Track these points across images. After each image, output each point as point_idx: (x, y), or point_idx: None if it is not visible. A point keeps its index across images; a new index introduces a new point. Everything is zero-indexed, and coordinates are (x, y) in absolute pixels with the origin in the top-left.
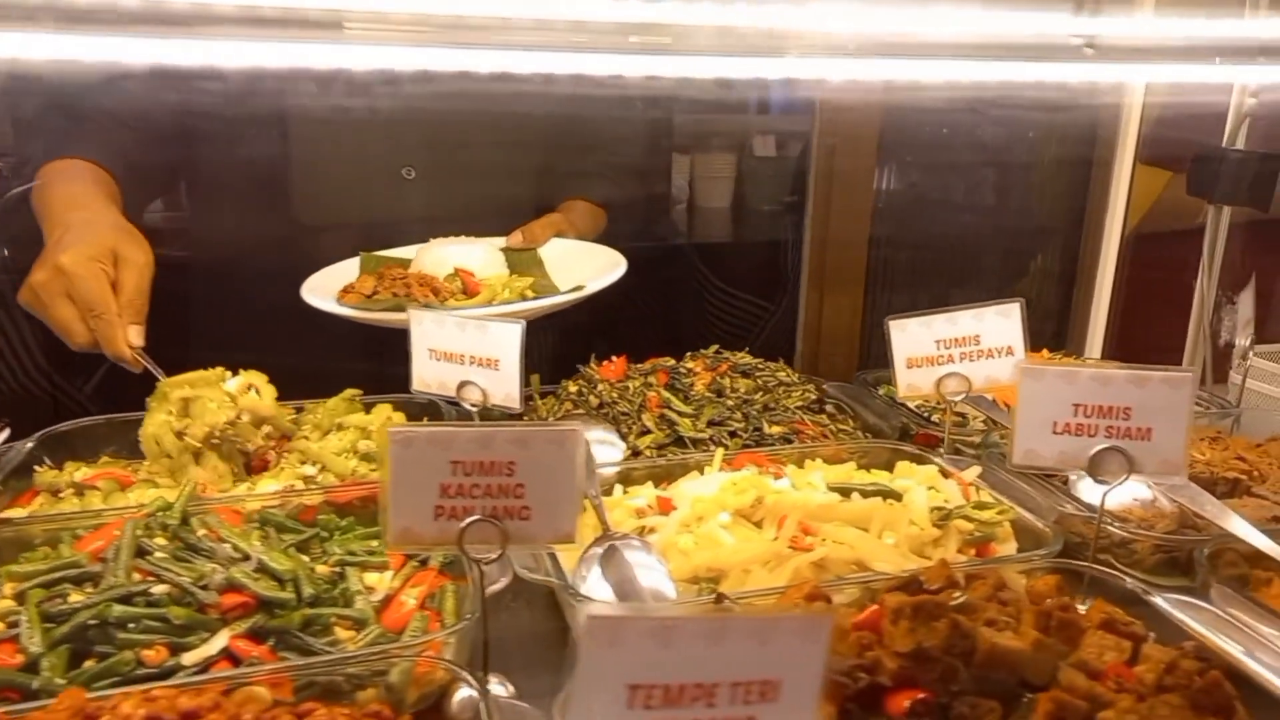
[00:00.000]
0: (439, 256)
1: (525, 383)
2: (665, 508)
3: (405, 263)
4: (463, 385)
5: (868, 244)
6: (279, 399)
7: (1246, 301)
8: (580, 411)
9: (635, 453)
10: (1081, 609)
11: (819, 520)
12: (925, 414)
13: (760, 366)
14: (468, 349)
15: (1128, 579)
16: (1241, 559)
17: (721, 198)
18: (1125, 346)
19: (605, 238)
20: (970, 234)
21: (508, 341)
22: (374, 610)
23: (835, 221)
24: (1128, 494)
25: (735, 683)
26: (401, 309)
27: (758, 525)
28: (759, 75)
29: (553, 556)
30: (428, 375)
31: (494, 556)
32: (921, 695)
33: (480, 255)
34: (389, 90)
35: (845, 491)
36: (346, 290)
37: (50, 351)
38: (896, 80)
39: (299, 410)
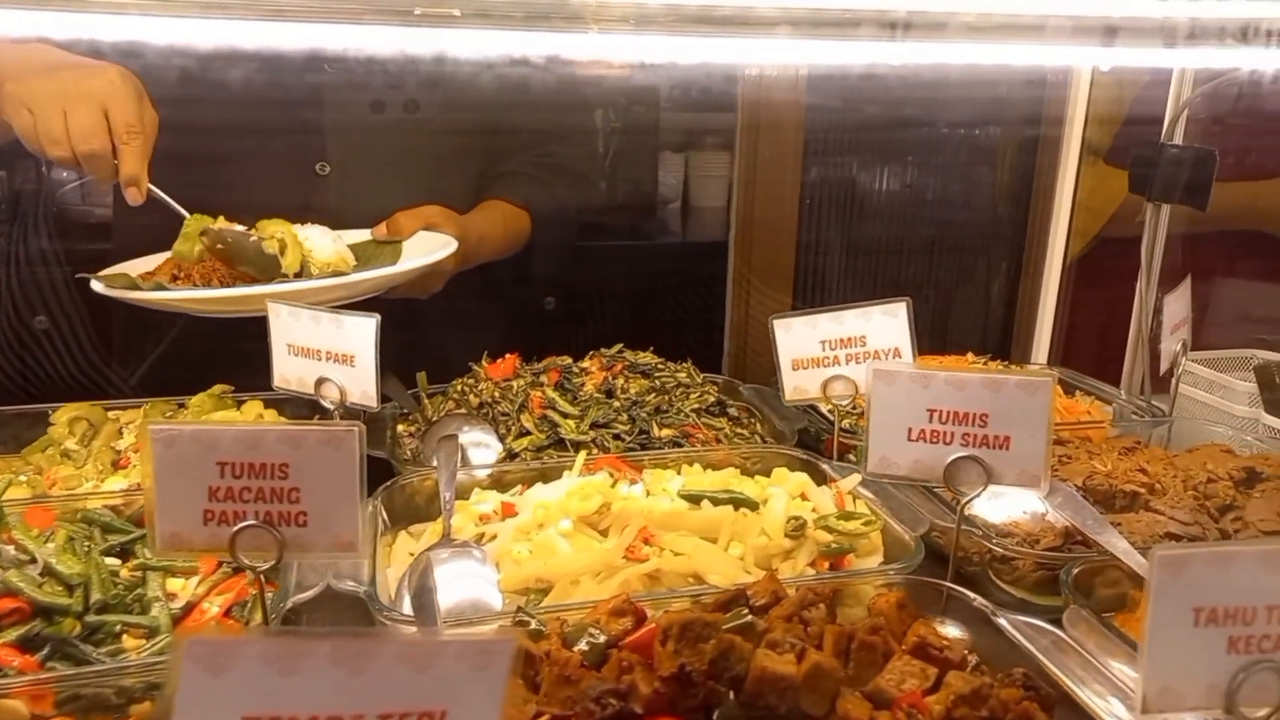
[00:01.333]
0: None
1: (413, 382)
2: (508, 513)
3: None
4: (321, 382)
5: (796, 242)
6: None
7: (1177, 304)
8: (462, 411)
9: (512, 455)
10: (943, 629)
11: (664, 529)
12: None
13: (660, 367)
14: (324, 344)
15: (974, 599)
16: (1125, 578)
17: (718, 196)
18: (1075, 355)
19: (577, 236)
20: (910, 235)
21: (363, 336)
22: (171, 618)
23: (760, 216)
24: (1017, 506)
25: (384, 714)
26: (164, 289)
27: (604, 534)
28: (557, 53)
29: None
30: (288, 372)
31: (267, 565)
32: None
33: (307, 239)
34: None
35: (699, 499)
36: (148, 274)
37: (100, 341)
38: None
39: (181, 406)
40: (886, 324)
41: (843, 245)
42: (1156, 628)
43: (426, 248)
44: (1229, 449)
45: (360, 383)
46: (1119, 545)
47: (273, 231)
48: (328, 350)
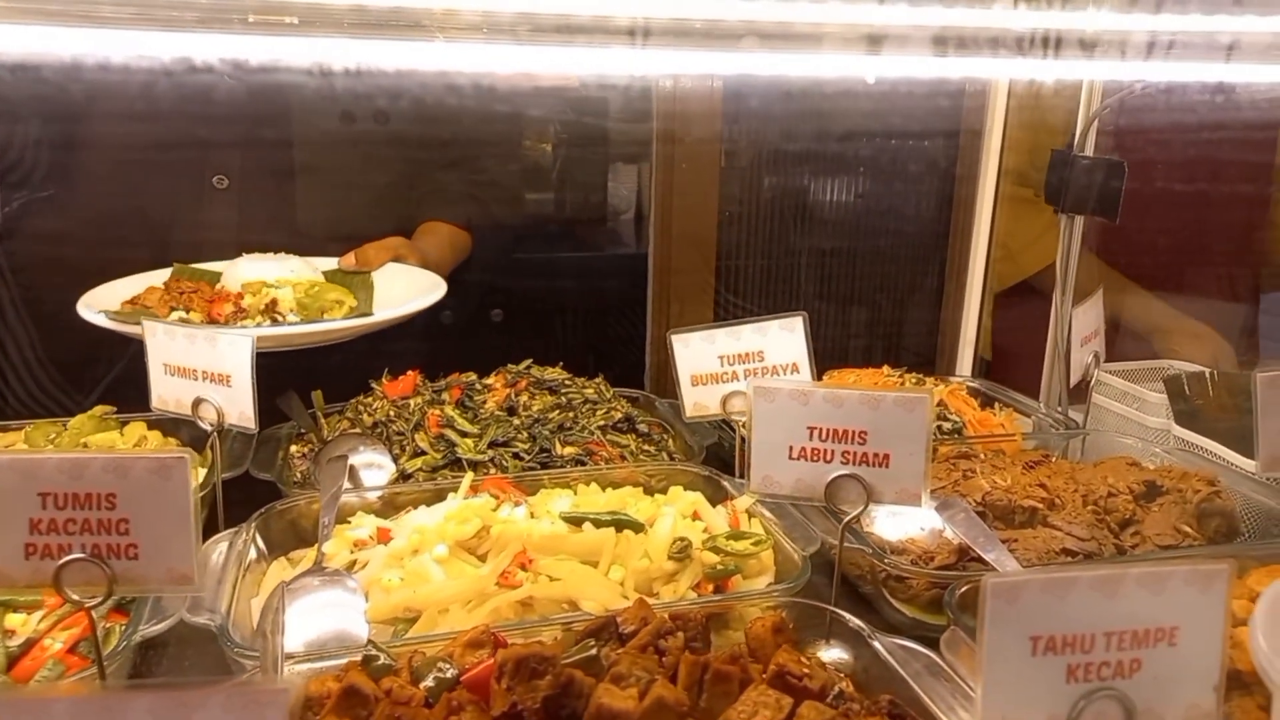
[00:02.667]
0: (247, 273)
1: (308, 404)
2: (384, 539)
3: (217, 276)
4: (198, 403)
5: (717, 255)
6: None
7: (1087, 316)
8: (356, 431)
9: (405, 476)
10: (823, 655)
11: (543, 553)
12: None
13: (568, 383)
14: (200, 364)
15: (851, 621)
16: None
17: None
18: (1007, 367)
19: (514, 250)
20: (832, 243)
21: (238, 356)
22: (7, 657)
23: (679, 228)
24: (915, 523)
25: None
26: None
27: (485, 560)
28: (403, 63)
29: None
30: (165, 392)
31: (97, 601)
32: None
33: (293, 273)
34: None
35: (581, 521)
36: (131, 301)
37: (54, 364)
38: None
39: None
40: (784, 339)
41: (765, 258)
42: (993, 657)
43: (407, 282)
44: (1135, 462)
45: (237, 403)
46: (1007, 564)
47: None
48: (204, 370)
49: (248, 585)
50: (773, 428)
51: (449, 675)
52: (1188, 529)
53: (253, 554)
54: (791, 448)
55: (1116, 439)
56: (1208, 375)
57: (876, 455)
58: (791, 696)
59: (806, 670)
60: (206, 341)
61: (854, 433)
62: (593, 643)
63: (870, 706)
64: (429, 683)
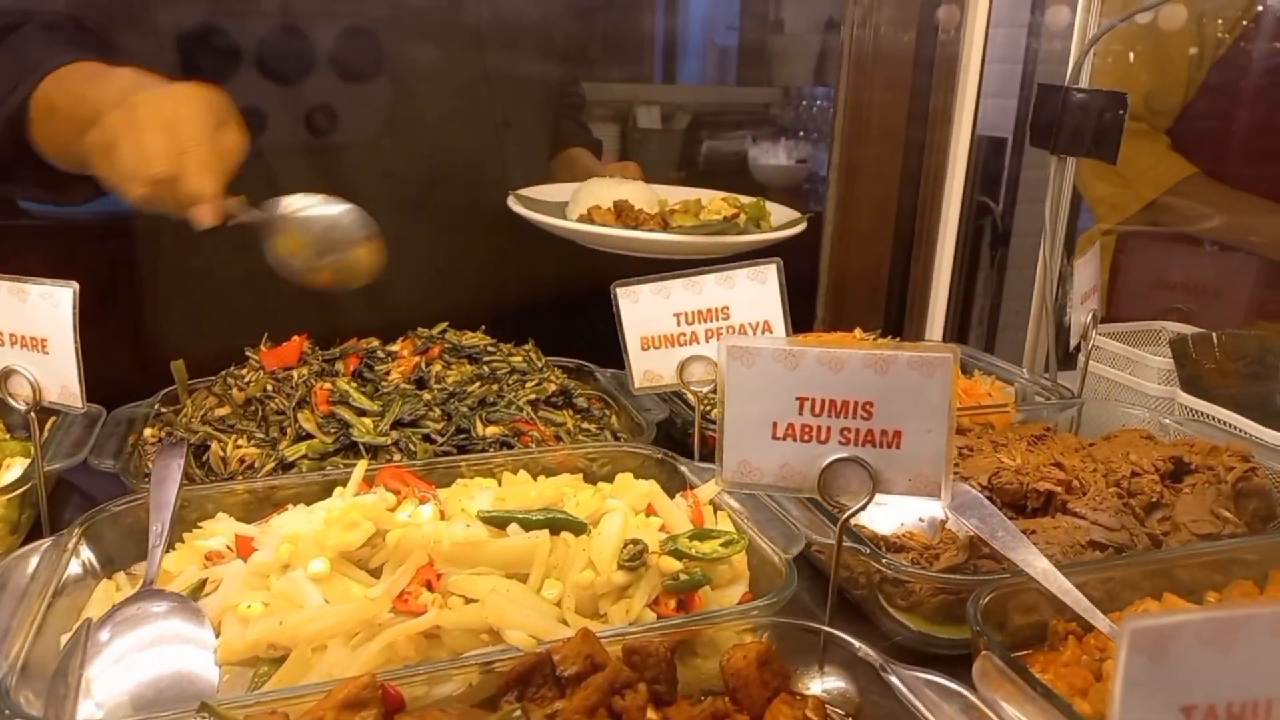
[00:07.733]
0: (602, 194)
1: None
2: (245, 551)
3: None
4: (8, 375)
5: None
6: None
7: (1087, 270)
8: (224, 410)
9: (285, 466)
10: (814, 686)
11: (456, 565)
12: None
13: (491, 350)
14: (7, 324)
15: (859, 648)
16: (1045, 602)
17: None
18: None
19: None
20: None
21: (55, 312)
22: None
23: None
24: (912, 512)
25: None
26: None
27: (378, 576)
28: None
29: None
30: None
31: None
32: None
33: (640, 195)
34: None
35: (506, 523)
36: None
37: None
38: None
39: None
40: (754, 291)
41: None
42: None
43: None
44: (1149, 434)
45: (58, 376)
46: (1038, 565)
47: None
48: (13, 332)
49: (61, 613)
50: (752, 399)
51: None
52: (1226, 513)
53: (76, 570)
54: (776, 424)
55: (1122, 409)
56: (1213, 338)
57: (885, 433)
58: None
59: None
60: (14, 295)
61: (857, 404)
62: (519, 712)
63: None
64: None
